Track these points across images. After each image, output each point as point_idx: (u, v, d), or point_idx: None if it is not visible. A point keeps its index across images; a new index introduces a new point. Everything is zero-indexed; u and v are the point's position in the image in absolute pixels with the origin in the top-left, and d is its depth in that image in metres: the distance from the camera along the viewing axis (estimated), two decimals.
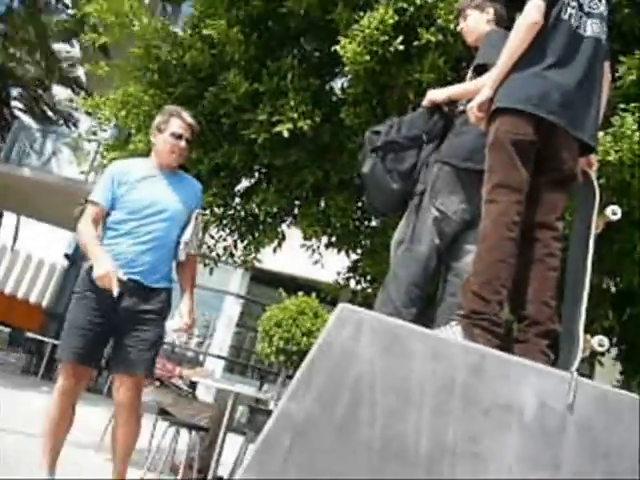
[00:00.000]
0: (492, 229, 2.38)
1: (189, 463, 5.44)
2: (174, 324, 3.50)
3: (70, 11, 16.38)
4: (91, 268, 3.29)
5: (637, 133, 4.37)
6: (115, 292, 3.18)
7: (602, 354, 6.27)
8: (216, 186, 6.09)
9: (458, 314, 2.34)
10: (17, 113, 20.52)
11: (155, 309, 3.42)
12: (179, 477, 5.20)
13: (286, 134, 5.22)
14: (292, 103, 5.29)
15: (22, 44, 17.82)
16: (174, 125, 3.52)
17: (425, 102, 3.21)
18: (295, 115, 5.25)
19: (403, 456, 1.88)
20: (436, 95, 3.18)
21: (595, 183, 2.65)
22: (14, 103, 20.20)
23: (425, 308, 3.00)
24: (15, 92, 20.35)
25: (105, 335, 3.38)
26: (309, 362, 1.89)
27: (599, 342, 2.23)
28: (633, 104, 4.49)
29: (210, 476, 5.50)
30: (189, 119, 3.57)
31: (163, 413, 5.76)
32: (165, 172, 3.56)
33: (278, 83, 5.45)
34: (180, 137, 3.52)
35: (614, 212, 2.52)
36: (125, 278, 3.28)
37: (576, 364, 2.26)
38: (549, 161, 2.50)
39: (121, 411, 3.38)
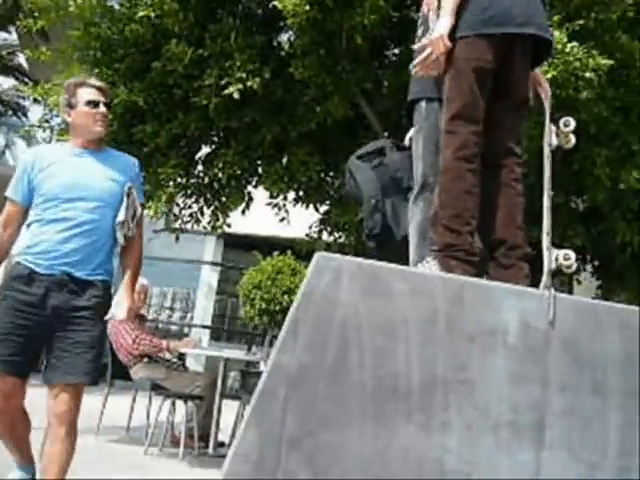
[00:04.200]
0: (453, 161, 2.39)
1: (189, 433, 5.51)
2: (109, 313, 3.05)
3: None
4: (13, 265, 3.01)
5: (568, 45, 4.38)
6: None
7: (576, 271, 6.41)
8: (176, 156, 6.04)
9: (432, 249, 2.37)
10: None
11: (89, 305, 2.98)
12: (181, 448, 5.25)
13: (236, 95, 5.17)
14: (238, 63, 5.23)
15: None
16: (85, 94, 3.13)
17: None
18: (243, 75, 5.19)
19: (396, 392, 1.92)
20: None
21: (545, 100, 2.67)
22: None
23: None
24: None
25: (35, 339, 2.96)
26: (293, 313, 1.91)
27: (564, 256, 2.26)
28: (556, 17, 4.49)
29: (211, 443, 5.59)
30: (97, 82, 3.22)
31: (156, 388, 5.81)
32: (90, 150, 3.16)
33: (222, 45, 5.38)
34: (97, 104, 3.13)
35: (566, 123, 2.53)
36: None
37: (544, 280, 2.29)
38: (507, 86, 2.50)
39: (56, 425, 2.88)
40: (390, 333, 1.95)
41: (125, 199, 3.13)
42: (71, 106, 3.14)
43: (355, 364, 1.92)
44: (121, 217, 3.09)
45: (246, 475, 1.86)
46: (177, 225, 6.89)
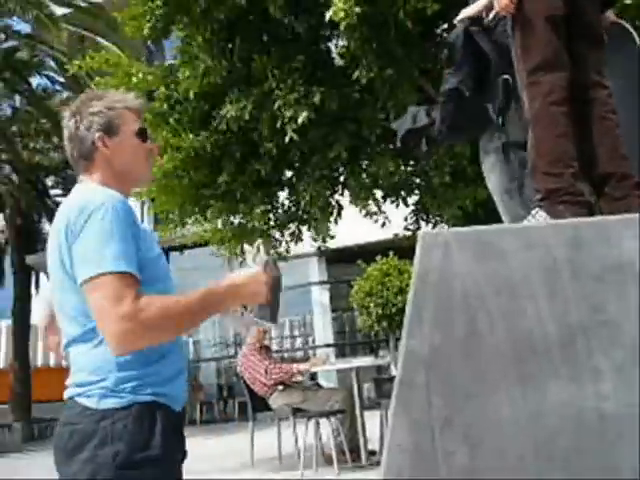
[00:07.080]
0: (543, 109, 2.32)
1: (339, 448, 5.54)
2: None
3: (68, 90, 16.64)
4: (143, 455, 1.71)
5: None
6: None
7: None
8: (259, 202, 6.19)
9: (536, 199, 2.30)
10: (59, 200, 21.03)
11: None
12: (335, 464, 5.29)
13: (295, 137, 5.24)
14: (282, 102, 5.29)
15: (37, 136, 18.20)
16: (133, 120, 2.00)
17: (460, 18, 2.81)
18: (291, 113, 5.23)
19: (535, 350, 1.87)
20: (472, 8, 2.80)
21: (630, 28, 2.58)
22: (53, 192, 20.66)
23: None
24: (49, 181, 20.79)
25: None
26: (413, 297, 1.90)
27: None
28: None
29: (363, 453, 5.60)
30: (140, 104, 2.08)
31: (297, 411, 5.88)
32: None
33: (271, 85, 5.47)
34: (148, 136, 2.03)
35: None
36: None
37: None
38: (581, 27, 2.44)
39: None
40: (514, 293, 1.90)
41: None
42: (110, 131, 1.95)
43: (486, 332, 1.88)
44: None
45: (405, 463, 1.85)
46: (282, 250, 7.01)
